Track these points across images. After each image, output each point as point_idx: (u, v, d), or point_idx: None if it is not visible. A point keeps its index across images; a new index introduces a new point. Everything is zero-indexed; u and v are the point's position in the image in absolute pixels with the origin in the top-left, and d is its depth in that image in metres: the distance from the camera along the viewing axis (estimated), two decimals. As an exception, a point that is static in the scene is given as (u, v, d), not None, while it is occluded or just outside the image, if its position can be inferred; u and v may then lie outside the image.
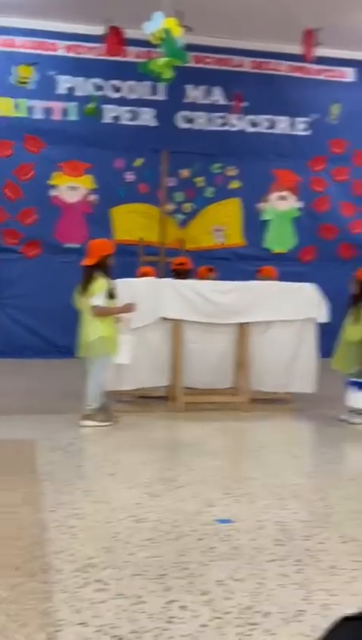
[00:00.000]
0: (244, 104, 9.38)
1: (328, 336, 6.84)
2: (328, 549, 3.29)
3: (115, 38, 6.57)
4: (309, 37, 6.48)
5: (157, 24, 5.64)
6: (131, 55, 9.03)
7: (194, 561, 3.12)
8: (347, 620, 1.16)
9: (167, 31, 5.60)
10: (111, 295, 5.53)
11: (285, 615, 2.65)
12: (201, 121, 9.46)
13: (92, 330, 5.50)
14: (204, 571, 3.01)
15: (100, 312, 5.46)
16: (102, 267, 5.54)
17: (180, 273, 7.49)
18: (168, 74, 5.87)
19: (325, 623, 2.56)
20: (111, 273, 5.63)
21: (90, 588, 2.83)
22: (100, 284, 5.49)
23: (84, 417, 5.60)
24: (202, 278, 7.42)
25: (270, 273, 7.38)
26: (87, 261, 5.58)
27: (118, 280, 5.90)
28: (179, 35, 5.66)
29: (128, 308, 5.62)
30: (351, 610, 1.18)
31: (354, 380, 5.75)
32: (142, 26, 5.72)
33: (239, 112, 9.35)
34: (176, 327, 6.28)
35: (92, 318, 5.49)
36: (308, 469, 4.67)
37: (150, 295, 6.23)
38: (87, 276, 5.55)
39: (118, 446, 5.03)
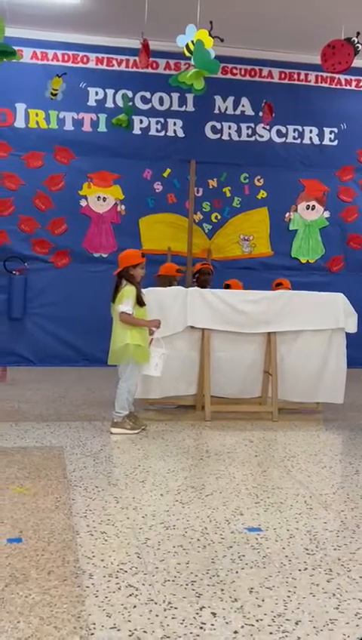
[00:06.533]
0: (273, 115, 9.39)
1: (356, 346, 6.82)
2: (359, 559, 3.28)
3: (146, 50, 6.64)
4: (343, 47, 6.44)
5: (190, 37, 5.69)
6: (160, 67, 9.14)
7: (225, 568, 3.13)
8: None
9: (198, 42, 5.64)
10: (140, 303, 5.61)
11: (317, 624, 2.65)
12: (229, 132, 9.50)
13: (120, 337, 5.56)
14: (235, 578, 3.02)
15: (126, 320, 5.52)
16: (127, 276, 5.62)
17: (203, 274, 7.55)
18: (199, 85, 5.90)
19: (357, 632, 2.56)
20: (139, 282, 5.69)
21: (122, 593, 2.85)
22: (128, 291, 5.56)
23: (114, 425, 5.64)
24: None
25: (287, 287, 7.36)
26: (117, 270, 5.71)
27: (146, 290, 5.98)
28: (211, 46, 5.70)
29: (154, 323, 5.68)
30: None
31: None
32: (176, 39, 5.76)
33: (268, 123, 9.35)
34: (204, 336, 6.30)
35: (121, 326, 5.56)
36: (337, 480, 4.65)
37: (178, 304, 6.27)
38: (116, 285, 5.68)
39: (147, 454, 5.06)
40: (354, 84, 9.76)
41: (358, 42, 6.47)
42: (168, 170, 9.31)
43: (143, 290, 5.82)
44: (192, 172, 8.72)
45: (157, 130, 9.31)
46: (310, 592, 2.92)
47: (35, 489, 4.12)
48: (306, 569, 3.15)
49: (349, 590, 2.95)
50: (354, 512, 3.93)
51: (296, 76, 9.60)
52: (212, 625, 2.62)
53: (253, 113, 9.50)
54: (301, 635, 2.57)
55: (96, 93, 9.14)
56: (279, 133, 9.65)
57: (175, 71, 8.83)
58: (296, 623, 2.65)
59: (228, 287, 7.29)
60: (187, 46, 5.76)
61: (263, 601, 2.83)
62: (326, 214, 9.82)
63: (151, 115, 9.28)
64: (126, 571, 3.06)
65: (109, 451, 5.10)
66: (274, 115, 9.06)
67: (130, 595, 2.84)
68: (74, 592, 2.84)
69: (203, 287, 7.31)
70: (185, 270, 8.38)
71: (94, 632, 2.54)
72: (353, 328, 6.55)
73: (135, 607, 2.74)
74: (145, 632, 2.55)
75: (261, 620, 2.67)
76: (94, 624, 2.59)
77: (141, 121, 9.25)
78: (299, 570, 3.14)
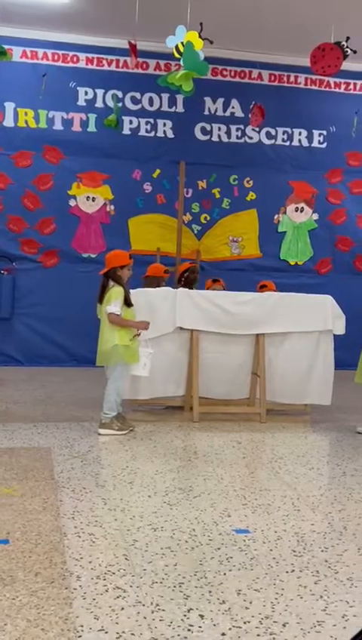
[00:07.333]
0: (263, 117, 9.39)
1: (344, 347, 6.85)
2: (346, 561, 3.29)
3: (134, 50, 6.63)
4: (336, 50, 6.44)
5: (180, 38, 5.69)
6: (150, 67, 9.14)
7: (213, 570, 3.13)
8: None
9: (188, 43, 5.64)
10: (127, 303, 5.60)
11: (304, 626, 2.65)
12: (219, 133, 9.51)
13: (109, 338, 5.54)
14: (223, 580, 3.03)
15: (115, 321, 5.51)
16: (114, 277, 5.60)
17: (193, 272, 7.59)
18: (188, 87, 5.90)
19: (344, 634, 2.57)
20: (126, 283, 5.69)
21: (110, 595, 2.85)
22: (116, 292, 5.55)
23: (102, 426, 5.63)
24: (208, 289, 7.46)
25: (272, 289, 7.41)
26: (103, 270, 5.70)
27: (135, 290, 5.99)
28: (200, 48, 5.70)
29: (142, 325, 5.67)
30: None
31: None
32: (165, 40, 5.76)
33: (259, 125, 9.36)
34: (192, 337, 6.30)
35: (109, 327, 5.54)
36: (325, 481, 4.67)
37: (167, 305, 6.27)
38: (102, 285, 5.66)
39: (135, 455, 5.05)
40: (343, 87, 9.81)
41: (347, 46, 6.49)
42: (158, 171, 9.31)
43: (132, 291, 5.82)
44: (182, 173, 8.72)
45: (146, 131, 9.31)
46: (297, 594, 2.93)
47: (23, 490, 4.11)
48: (294, 571, 3.16)
49: (336, 592, 2.96)
50: (341, 514, 3.95)
51: (285, 78, 9.64)
52: (199, 627, 2.62)
53: (242, 115, 9.52)
54: (288, 637, 2.57)
55: (86, 93, 9.12)
56: (268, 135, 9.68)
57: (165, 72, 8.82)
58: (284, 625, 2.65)
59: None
60: (176, 47, 5.76)
61: (251, 603, 2.83)
62: (315, 216, 9.86)
63: (141, 116, 9.27)
64: (114, 573, 3.06)
65: (97, 452, 5.09)
66: (264, 117, 9.06)
67: (118, 597, 2.83)
68: (61, 594, 2.83)
69: (192, 284, 7.33)
70: (174, 271, 8.39)
71: (82, 634, 2.53)
72: (341, 330, 6.58)
73: (123, 609, 2.73)
74: (132, 634, 2.55)
75: (248, 622, 2.67)
76: (82, 626, 2.59)
77: (131, 122, 9.25)
78: (287, 572, 3.14)
